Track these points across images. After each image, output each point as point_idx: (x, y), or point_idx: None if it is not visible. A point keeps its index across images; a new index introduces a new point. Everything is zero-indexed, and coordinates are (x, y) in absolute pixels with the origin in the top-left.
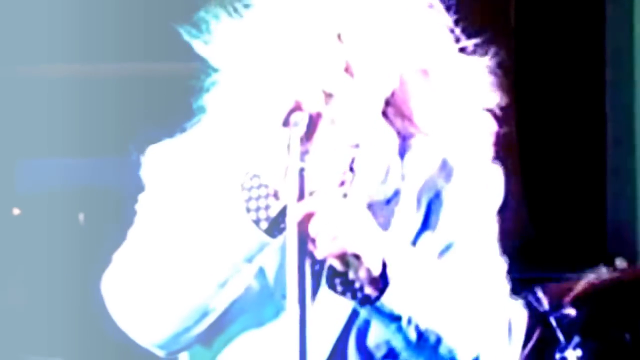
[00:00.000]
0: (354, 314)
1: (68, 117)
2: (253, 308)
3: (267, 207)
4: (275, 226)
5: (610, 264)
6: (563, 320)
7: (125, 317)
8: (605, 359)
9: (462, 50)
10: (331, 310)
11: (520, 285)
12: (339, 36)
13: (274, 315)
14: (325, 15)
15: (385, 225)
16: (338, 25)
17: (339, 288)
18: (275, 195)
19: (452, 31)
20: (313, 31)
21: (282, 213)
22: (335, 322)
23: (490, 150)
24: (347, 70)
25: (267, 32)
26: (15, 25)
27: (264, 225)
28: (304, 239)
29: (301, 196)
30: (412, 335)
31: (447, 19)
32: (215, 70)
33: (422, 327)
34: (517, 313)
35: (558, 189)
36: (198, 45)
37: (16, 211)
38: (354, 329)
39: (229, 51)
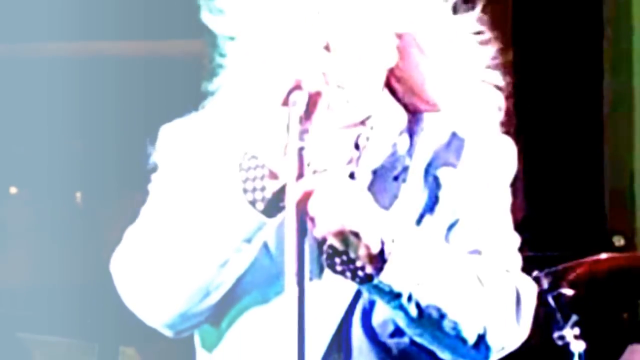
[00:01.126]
0: (359, 294)
1: (67, 95)
2: (259, 286)
3: (263, 188)
4: (274, 206)
5: (608, 241)
6: (561, 299)
7: (134, 297)
8: (603, 337)
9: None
10: (336, 290)
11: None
12: (319, 13)
13: (279, 292)
14: None
15: (392, 202)
16: (317, 2)
17: (338, 267)
18: (272, 176)
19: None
20: (294, 10)
21: (282, 192)
22: (340, 301)
23: (497, 125)
24: (327, 48)
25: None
26: (16, 2)
27: (260, 206)
28: (303, 218)
29: (300, 175)
30: (413, 312)
31: None
32: (222, 55)
33: (423, 303)
34: (526, 287)
35: (555, 166)
36: (207, 18)
37: (13, 190)
38: (358, 308)
39: (236, 21)
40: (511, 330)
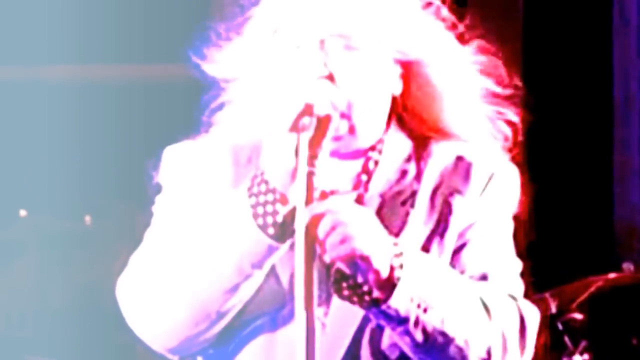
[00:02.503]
0: (368, 317)
1: (77, 116)
2: (267, 311)
3: (274, 213)
4: (284, 230)
5: (617, 267)
6: (570, 324)
7: (140, 322)
8: None
9: (463, 41)
10: (346, 313)
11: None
12: (321, 42)
13: (288, 318)
14: (310, 22)
15: (400, 227)
16: (322, 32)
17: (345, 292)
18: (283, 200)
19: (453, 26)
20: (297, 38)
21: (291, 217)
22: (349, 324)
23: (503, 151)
24: (330, 77)
25: (265, 41)
26: (14, 26)
27: (272, 230)
28: (312, 243)
29: (309, 200)
30: (420, 337)
31: (448, 16)
32: (224, 89)
33: (430, 328)
34: (530, 314)
35: (564, 192)
36: (207, 67)
37: (23, 213)
38: (367, 331)
39: (236, 65)
40: (514, 356)
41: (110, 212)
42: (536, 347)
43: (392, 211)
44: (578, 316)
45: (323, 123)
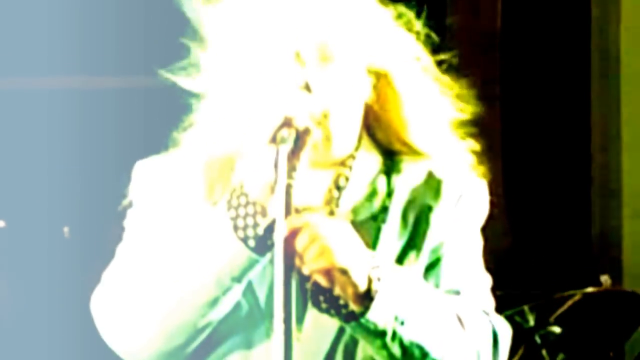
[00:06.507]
0: (342, 331)
1: (63, 127)
2: (243, 328)
3: (255, 225)
4: (263, 243)
5: (595, 281)
6: (548, 337)
7: (115, 337)
8: None
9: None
10: (319, 327)
11: (506, 302)
12: (297, 54)
13: (264, 336)
14: (285, 33)
15: (372, 242)
16: (297, 43)
17: (323, 305)
18: (263, 213)
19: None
20: (272, 50)
21: (270, 230)
22: (324, 338)
23: (471, 167)
24: (307, 87)
25: (239, 53)
26: (15, 37)
27: (252, 242)
28: (291, 255)
29: (288, 212)
30: (397, 351)
31: (421, 29)
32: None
33: (407, 342)
34: (503, 329)
35: (542, 205)
36: (183, 82)
37: (0, 223)
38: (341, 345)
39: (213, 78)
40: None
41: (90, 223)
42: None
43: (364, 226)
44: (556, 329)
45: (302, 135)
